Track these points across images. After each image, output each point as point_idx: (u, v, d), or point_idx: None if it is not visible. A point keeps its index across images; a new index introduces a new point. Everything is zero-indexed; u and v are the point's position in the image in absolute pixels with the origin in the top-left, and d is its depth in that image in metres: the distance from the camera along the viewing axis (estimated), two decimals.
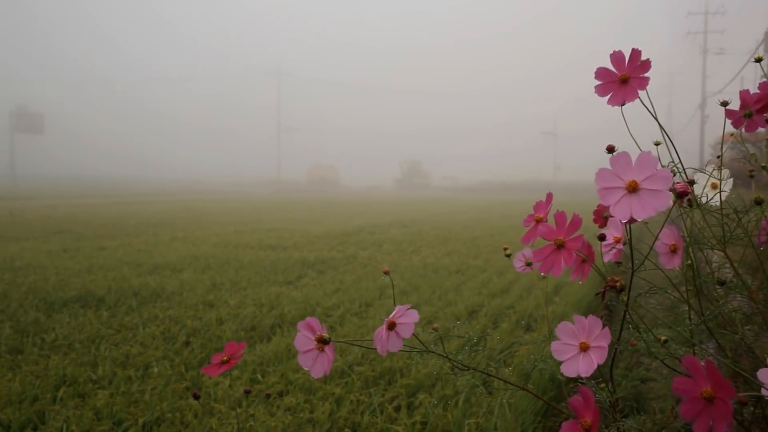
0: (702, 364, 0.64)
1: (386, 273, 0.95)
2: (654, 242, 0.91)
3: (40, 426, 2.24)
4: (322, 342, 0.82)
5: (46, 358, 2.98)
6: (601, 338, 0.78)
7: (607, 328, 0.78)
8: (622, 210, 0.71)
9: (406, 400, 2.44)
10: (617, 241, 0.98)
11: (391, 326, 0.82)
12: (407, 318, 0.83)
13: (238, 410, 2.34)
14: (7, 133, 54.87)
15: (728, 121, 1.00)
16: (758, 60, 1.08)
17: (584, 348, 0.78)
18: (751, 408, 1.12)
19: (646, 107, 0.86)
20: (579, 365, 0.77)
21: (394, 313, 0.84)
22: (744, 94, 0.99)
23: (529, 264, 1.07)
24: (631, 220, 0.85)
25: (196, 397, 1.13)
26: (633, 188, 0.70)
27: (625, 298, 0.83)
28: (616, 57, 0.83)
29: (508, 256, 1.10)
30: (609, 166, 0.73)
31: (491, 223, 12.03)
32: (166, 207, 17.89)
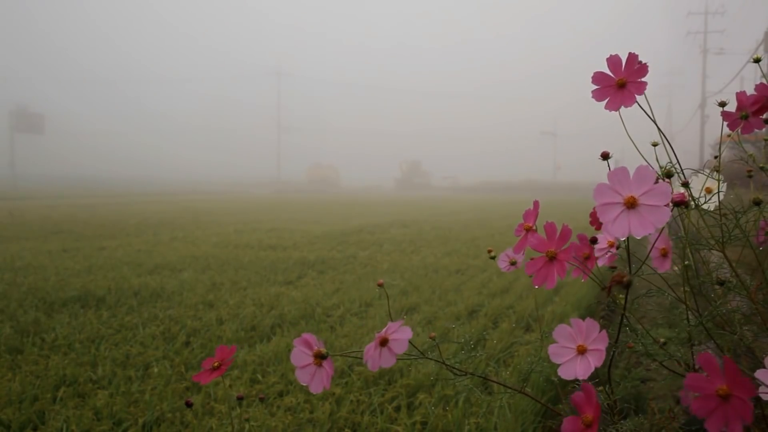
0: (719, 361, 0.64)
1: (380, 285, 0.95)
2: (651, 248, 0.91)
3: (40, 426, 2.24)
4: (320, 357, 0.81)
5: (46, 358, 2.98)
6: (598, 341, 0.77)
7: (604, 331, 0.77)
8: (620, 227, 0.69)
9: (406, 400, 2.44)
10: (611, 245, 0.98)
11: (384, 342, 0.81)
12: (401, 334, 0.82)
13: (237, 411, 2.34)
14: (7, 133, 54.82)
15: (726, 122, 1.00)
16: (757, 60, 1.08)
17: (581, 351, 0.78)
18: None
19: (644, 111, 0.86)
20: (576, 368, 0.77)
21: (386, 329, 0.83)
22: (741, 96, 0.99)
23: (513, 263, 1.08)
24: None
25: (189, 405, 1.12)
26: (631, 204, 0.69)
27: (623, 300, 0.84)
28: (613, 61, 0.82)
29: (493, 258, 1.10)
30: (606, 180, 0.72)
31: (491, 223, 12.03)
32: (166, 207, 17.89)
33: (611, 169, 0.73)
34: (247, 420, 2.24)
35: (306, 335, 0.83)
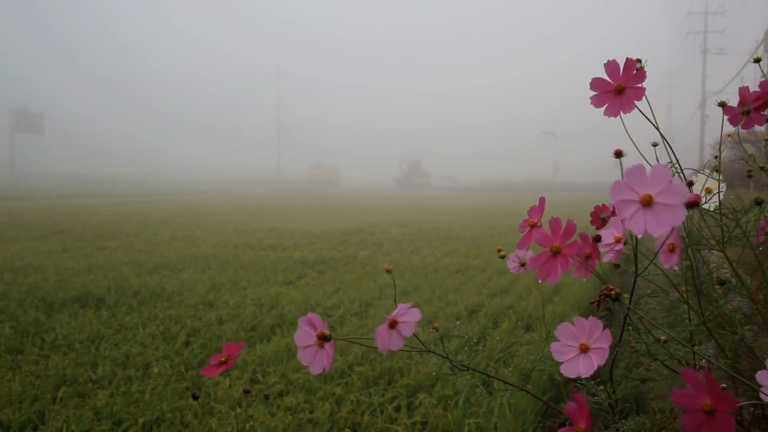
0: (700, 376, 0.64)
1: (389, 271, 0.95)
2: (660, 246, 0.91)
3: (40, 426, 2.24)
4: (323, 339, 0.81)
5: (46, 358, 2.98)
6: (601, 340, 0.78)
7: (608, 330, 0.78)
8: (636, 224, 0.70)
9: (406, 400, 2.44)
10: (618, 241, 0.98)
11: (393, 324, 0.82)
12: (409, 317, 0.82)
13: (238, 410, 2.34)
14: (7, 133, 54.74)
15: (727, 122, 1.01)
16: (757, 60, 1.08)
17: (584, 349, 0.78)
18: (751, 408, 1.12)
19: (644, 115, 0.86)
20: (579, 366, 0.77)
21: (396, 311, 0.84)
22: (743, 91, 0.99)
23: (523, 264, 1.07)
24: None
25: (195, 398, 1.13)
26: (647, 202, 0.70)
27: (625, 301, 0.84)
28: (611, 66, 0.82)
29: (503, 257, 1.10)
30: (623, 177, 0.72)
31: (491, 222, 12.03)
32: (166, 207, 17.89)
33: (622, 168, 0.73)
34: (251, 417, 2.24)
35: (311, 315, 0.83)
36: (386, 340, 0.82)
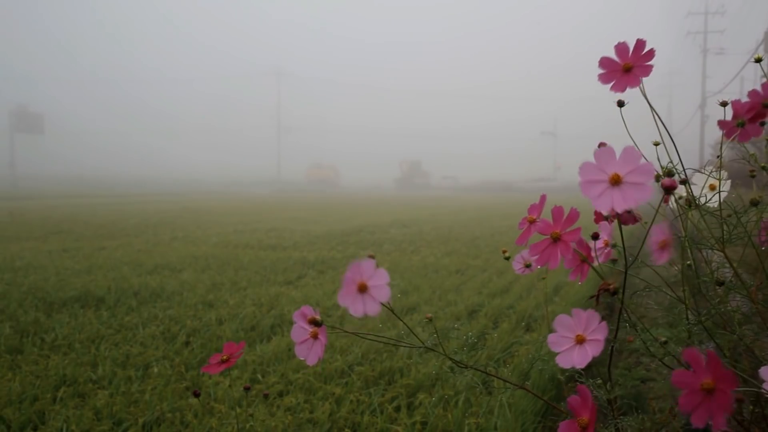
0: (703, 356, 0.64)
1: (371, 257, 0.91)
2: (642, 244, 0.91)
3: (40, 426, 2.24)
4: (314, 324, 0.82)
5: (46, 358, 2.98)
6: (597, 332, 0.78)
7: (604, 322, 0.78)
8: (603, 202, 0.71)
9: (406, 400, 2.44)
10: (606, 245, 0.98)
11: (362, 288, 0.77)
12: (378, 279, 0.77)
13: (238, 410, 2.34)
14: (7, 133, 54.67)
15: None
16: (758, 60, 1.08)
17: (580, 340, 0.79)
18: (751, 407, 1.12)
19: (647, 100, 0.86)
20: (574, 357, 0.78)
21: (359, 273, 0.77)
22: (736, 104, 1.00)
23: (528, 266, 1.07)
24: (627, 220, 0.86)
25: (197, 395, 1.13)
26: (616, 181, 0.71)
27: (621, 297, 0.84)
28: (621, 48, 0.84)
29: (507, 258, 1.10)
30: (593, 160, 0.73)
31: (491, 222, 12.03)
32: (166, 207, 17.89)
33: None
34: (251, 416, 2.24)
35: (304, 308, 0.84)
36: (359, 306, 0.76)
